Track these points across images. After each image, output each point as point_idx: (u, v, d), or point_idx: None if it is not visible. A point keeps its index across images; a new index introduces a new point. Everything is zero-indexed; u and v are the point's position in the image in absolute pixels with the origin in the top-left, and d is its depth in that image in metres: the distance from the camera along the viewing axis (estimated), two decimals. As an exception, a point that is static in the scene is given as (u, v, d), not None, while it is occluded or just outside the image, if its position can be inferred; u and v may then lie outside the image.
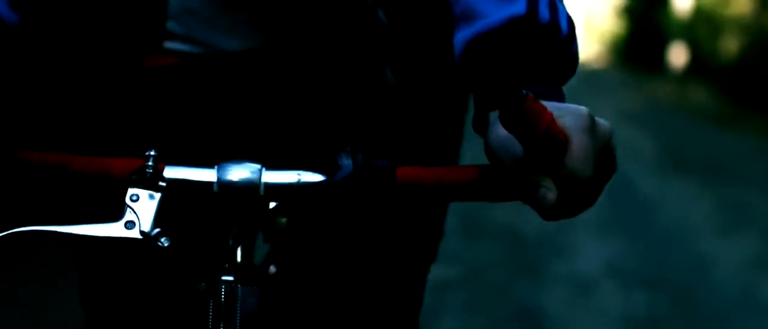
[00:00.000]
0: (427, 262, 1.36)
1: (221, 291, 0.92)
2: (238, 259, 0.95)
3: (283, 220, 1.05)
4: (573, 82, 1.03)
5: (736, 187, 6.31)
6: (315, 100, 1.22)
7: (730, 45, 13.91)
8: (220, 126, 1.22)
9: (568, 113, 0.87)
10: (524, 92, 0.81)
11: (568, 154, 0.85)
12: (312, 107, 1.22)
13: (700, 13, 15.64)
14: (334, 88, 1.21)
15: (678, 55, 16.34)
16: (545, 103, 0.86)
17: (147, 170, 0.89)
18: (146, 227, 0.87)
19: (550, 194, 0.85)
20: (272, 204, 0.98)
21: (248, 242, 0.97)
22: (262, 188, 0.89)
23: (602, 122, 0.89)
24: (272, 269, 1.24)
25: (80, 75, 1.23)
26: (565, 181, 0.85)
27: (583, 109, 0.88)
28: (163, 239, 0.87)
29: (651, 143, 8.25)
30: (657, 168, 7.08)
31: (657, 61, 17.09)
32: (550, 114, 0.83)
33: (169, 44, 1.20)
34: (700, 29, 15.37)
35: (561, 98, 0.95)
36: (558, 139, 0.84)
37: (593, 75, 16.80)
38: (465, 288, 3.77)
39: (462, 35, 1.02)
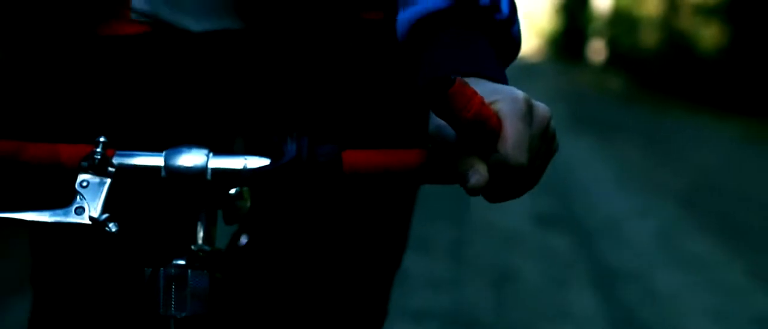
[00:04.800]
0: (390, 273, 1.28)
1: (171, 275, 0.91)
2: (199, 242, 0.95)
3: (247, 204, 1.04)
4: (512, 71, 0.97)
5: (620, 140, 8.78)
6: (274, 85, 1.17)
7: (644, 40, 16.17)
8: (180, 107, 1.16)
9: (503, 98, 0.82)
10: (452, 76, 0.76)
11: (501, 140, 0.80)
12: (271, 92, 1.17)
13: (618, 13, 17.97)
14: (293, 73, 1.16)
15: (600, 48, 18.78)
16: (482, 85, 0.84)
17: (96, 156, 0.87)
18: (95, 213, 0.86)
19: (480, 178, 0.80)
20: (233, 190, 0.98)
21: (202, 226, 0.95)
22: (209, 173, 0.88)
23: (540, 106, 0.84)
24: (242, 240, 1.21)
25: (37, 47, 1.18)
26: (498, 167, 0.80)
27: (520, 93, 0.83)
28: (111, 225, 0.86)
29: (565, 112, 10.72)
30: (565, 128, 9.52)
31: (584, 54, 19.57)
32: (480, 99, 0.78)
33: (135, 17, 1.14)
34: (618, 27, 17.69)
35: (502, 79, 0.90)
36: (489, 124, 0.79)
37: (531, 66, 19.28)
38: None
39: (404, 16, 0.99)
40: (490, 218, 4.86)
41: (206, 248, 0.95)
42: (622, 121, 10.40)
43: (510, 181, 0.83)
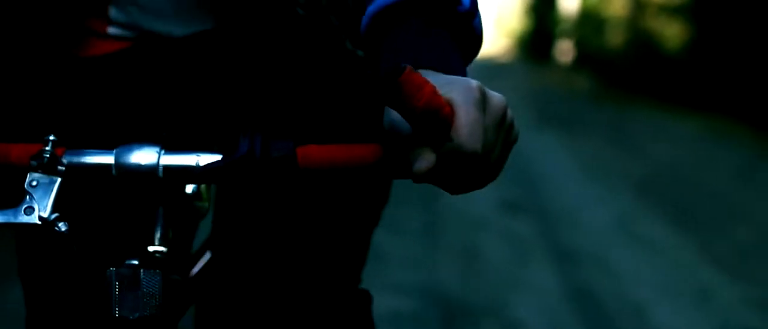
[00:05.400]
0: (370, 227, 1.29)
1: (123, 275, 0.89)
2: (156, 242, 0.93)
3: (206, 204, 1.04)
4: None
5: (584, 135, 9.15)
6: (237, 82, 1.16)
7: (610, 41, 16.57)
8: (160, 110, 1.15)
9: (456, 88, 0.82)
10: (402, 65, 0.76)
11: (453, 128, 0.79)
12: (234, 89, 1.16)
13: (585, 14, 18.37)
14: (255, 70, 1.16)
15: (567, 49, 19.18)
16: (436, 77, 0.83)
17: (45, 155, 0.85)
18: (45, 213, 0.84)
19: (423, 164, 0.80)
20: (190, 189, 1.00)
21: (159, 226, 0.94)
22: (160, 170, 0.85)
23: (495, 95, 0.83)
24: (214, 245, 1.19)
25: (15, 65, 1.16)
26: (452, 156, 0.80)
27: (473, 82, 0.82)
28: (61, 224, 0.84)
29: (531, 110, 11.09)
30: (531, 124, 9.89)
31: (552, 55, 20.00)
32: (431, 88, 0.78)
33: (113, 30, 1.15)
34: (585, 27, 18.08)
35: (460, 73, 0.90)
36: (441, 113, 0.79)
37: (501, 67, 19.64)
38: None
39: (370, 9, 0.98)
40: (459, 205, 5.20)
41: (163, 249, 0.94)
42: (588, 118, 10.79)
43: (466, 170, 0.82)
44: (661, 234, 4.89)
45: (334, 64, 1.18)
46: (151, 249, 0.94)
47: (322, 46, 1.18)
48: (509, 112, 0.85)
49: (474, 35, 1.00)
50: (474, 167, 0.82)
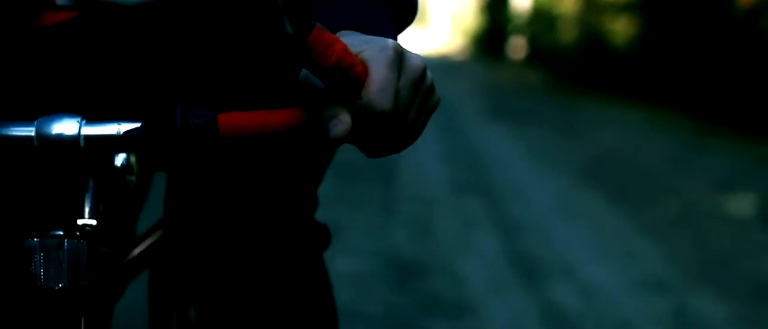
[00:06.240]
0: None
1: (47, 246, 0.88)
2: (85, 215, 0.93)
3: (132, 177, 1.02)
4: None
5: (533, 125, 9.64)
6: (171, 53, 1.13)
7: (561, 37, 17.06)
8: (94, 81, 1.12)
9: (371, 46, 0.81)
10: (312, 23, 0.75)
11: (365, 87, 0.79)
12: (168, 59, 1.13)
13: (537, 11, 18.89)
14: (186, 40, 1.14)
15: (520, 46, 19.70)
16: (354, 37, 0.83)
17: None
18: None
19: (342, 127, 0.79)
20: (119, 162, 0.98)
21: (89, 199, 0.94)
22: (82, 140, 0.85)
23: (414, 56, 0.83)
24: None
25: None
26: (362, 114, 0.79)
27: (390, 42, 0.81)
28: None
29: (484, 104, 11.60)
30: (483, 116, 10.40)
31: (505, 52, 20.51)
32: (342, 46, 0.77)
33: (62, 1, 1.12)
34: (537, 25, 18.58)
35: (390, 36, 0.88)
36: (353, 72, 0.79)
37: (456, 64, 20.14)
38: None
39: None
40: (414, 186, 5.68)
41: (92, 221, 0.94)
42: (538, 110, 11.30)
43: (378, 130, 0.82)
44: (598, 208, 5.39)
45: (261, 32, 1.18)
46: (80, 221, 0.94)
47: (254, 15, 1.17)
48: (429, 75, 0.85)
49: (407, 2, 1.01)
50: (386, 126, 0.82)
